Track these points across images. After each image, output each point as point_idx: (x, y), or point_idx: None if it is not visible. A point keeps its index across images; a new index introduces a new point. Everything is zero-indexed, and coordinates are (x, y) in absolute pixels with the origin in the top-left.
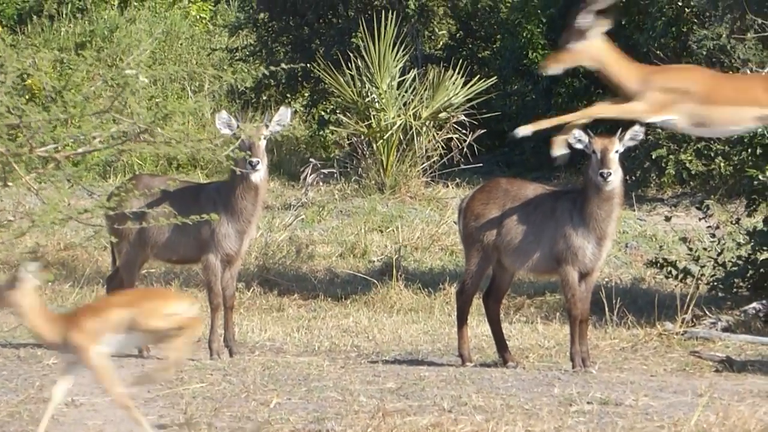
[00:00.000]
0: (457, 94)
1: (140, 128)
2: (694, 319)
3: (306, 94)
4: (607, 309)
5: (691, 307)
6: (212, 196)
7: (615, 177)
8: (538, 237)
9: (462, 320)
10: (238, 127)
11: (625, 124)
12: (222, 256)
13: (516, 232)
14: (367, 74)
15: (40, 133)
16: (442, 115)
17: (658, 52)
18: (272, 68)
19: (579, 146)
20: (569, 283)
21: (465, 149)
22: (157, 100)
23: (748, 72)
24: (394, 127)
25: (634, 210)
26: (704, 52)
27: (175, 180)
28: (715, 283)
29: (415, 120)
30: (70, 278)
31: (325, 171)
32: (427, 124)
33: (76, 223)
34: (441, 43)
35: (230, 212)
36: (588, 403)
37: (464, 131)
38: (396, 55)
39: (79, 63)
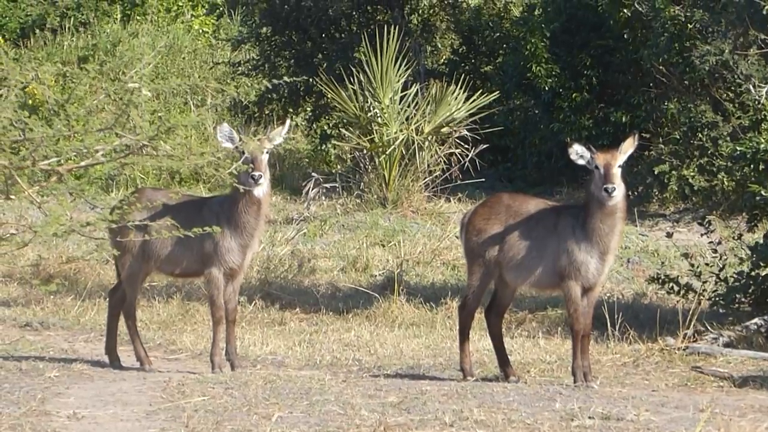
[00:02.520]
0: (459, 108)
1: (143, 142)
2: (696, 335)
3: (308, 109)
4: (609, 324)
5: (692, 323)
6: (215, 209)
7: (618, 192)
8: (541, 253)
9: (464, 335)
10: (240, 140)
11: (624, 138)
12: (225, 270)
13: (518, 248)
14: (370, 89)
15: (43, 146)
16: (445, 129)
17: (661, 67)
18: (275, 82)
19: (581, 162)
20: (572, 298)
21: (467, 164)
22: (159, 114)
23: (752, 89)
24: (397, 142)
25: (636, 225)
26: (707, 68)
27: (177, 193)
28: (717, 299)
29: (417, 135)
30: (73, 291)
31: (327, 185)
32: (429, 138)
33: (78, 236)
34: (443, 58)
35: (233, 226)
36: (589, 418)
37: (466, 146)
38: (398, 70)
39: (82, 77)
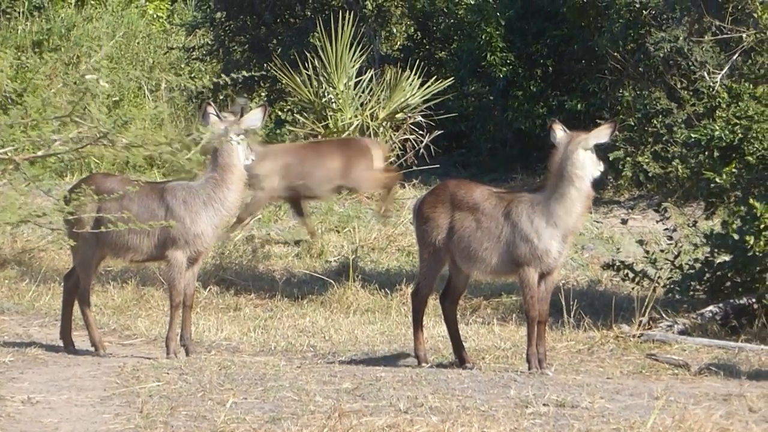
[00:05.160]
0: (414, 94)
1: (100, 133)
2: (651, 322)
3: (263, 94)
4: (564, 311)
5: (647, 310)
6: (180, 195)
7: None
8: (494, 241)
9: (417, 321)
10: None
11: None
12: (191, 254)
13: (470, 238)
14: (324, 74)
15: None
16: (399, 115)
17: (615, 54)
18: (233, 76)
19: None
20: (529, 284)
21: (422, 150)
22: (114, 98)
23: (706, 76)
24: (351, 128)
25: (590, 212)
26: (661, 55)
27: (135, 183)
28: (672, 286)
29: (372, 120)
30: (27, 276)
31: None
32: (384, 124)
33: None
34: (398, 44)
35: (214, 207)
36: (544, 405)
37: (421, 132)
38: (353, 56)
39: (39, 66)
